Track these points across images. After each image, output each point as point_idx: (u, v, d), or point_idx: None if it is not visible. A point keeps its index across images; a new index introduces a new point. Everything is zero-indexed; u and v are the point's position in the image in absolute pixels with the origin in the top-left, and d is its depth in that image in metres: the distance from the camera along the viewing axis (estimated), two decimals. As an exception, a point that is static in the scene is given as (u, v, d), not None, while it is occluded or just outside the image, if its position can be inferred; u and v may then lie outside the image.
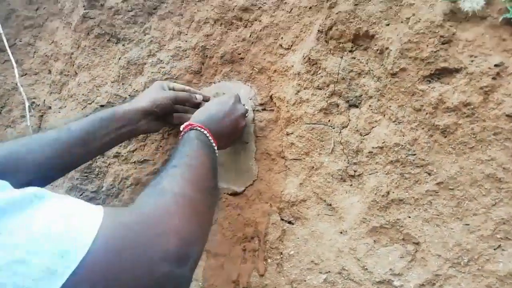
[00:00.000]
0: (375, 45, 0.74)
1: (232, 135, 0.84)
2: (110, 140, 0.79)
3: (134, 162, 1.03)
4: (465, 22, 0.64)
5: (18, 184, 0.41)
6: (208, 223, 0.59)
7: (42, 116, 1.22)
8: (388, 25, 0.72)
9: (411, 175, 0.69)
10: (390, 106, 0.72)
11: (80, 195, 1.09)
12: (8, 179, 0.40)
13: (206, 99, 0.94)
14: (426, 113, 0.67)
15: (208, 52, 1.01)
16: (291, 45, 0.92)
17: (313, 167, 0.82)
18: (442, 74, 0.66)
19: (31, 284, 0.33)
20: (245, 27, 0.97)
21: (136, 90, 1.03)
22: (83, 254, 0.36)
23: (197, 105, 0.91)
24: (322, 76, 0.81)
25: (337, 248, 0.75)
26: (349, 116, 0.80)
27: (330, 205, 0.79)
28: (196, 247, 0.48)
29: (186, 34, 1.03)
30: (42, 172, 0.70)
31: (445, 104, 0.65)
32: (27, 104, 1.14)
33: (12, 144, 0.70)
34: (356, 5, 0.75)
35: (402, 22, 0.70)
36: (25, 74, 1.26)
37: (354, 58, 0.78)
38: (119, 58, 1.07)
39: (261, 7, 0.95)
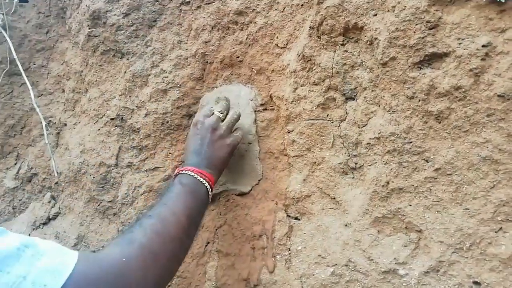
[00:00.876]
0: (365, 36, 0.75)
1: (221, 150, 0.84)
2: None
3: (146, 170, 1.07)
4: (451, 5, 0.64)
5: None
6: (169, 273, 0.65)
7: (58, 133, 1.28)
8: (375, 15, 0.72)
9: (409, 163, 0.68)
10: (383, 96, 0.72)
11: (98, 205, 1.13)
12: None
13: None
14: (419, 100, 0.67)
15: (208, 58, 1.03)
16: (287, 44, 0.93)
17: (315, 162, 0.83)
18: (431, 59, 0.65)
19: None
20: (241, 30, 0.99)
21: (143, 101, 1.07)
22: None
23: None
24: (317, 72, 0.82)
25: (343, 240, 0.75)
26: (346, 109, 0.80)
27: (334, 198, 0.79)
28: None
29: (186, 43, 1.06)
30: None
31: (436, 90, 0.64)
32: (44, 123, 1.20)
33: None
34: (343, -2, 0.76)
35: (388, 11, 0.70)
36: (41, 95, 1.33)
37: (346, 51, 0.79)
38: (125, 72, 1.11)
39: (254, 9, 0.97)
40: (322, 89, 0.82)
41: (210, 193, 0.78)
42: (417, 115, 0.67)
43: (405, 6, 0.67)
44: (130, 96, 1.10)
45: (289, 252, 0.82)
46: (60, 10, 1.35)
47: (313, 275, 0.77)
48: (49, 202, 1.28)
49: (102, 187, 1.13)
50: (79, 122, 1.24)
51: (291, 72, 0.87)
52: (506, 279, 0.57)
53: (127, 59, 1.11)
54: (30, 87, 1.23)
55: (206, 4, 1.02)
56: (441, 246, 0.64)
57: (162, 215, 0.66)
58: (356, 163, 0.77)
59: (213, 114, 0.89)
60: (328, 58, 0.80)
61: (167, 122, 1.05)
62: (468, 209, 0.62)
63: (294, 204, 0.84)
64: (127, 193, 1.07)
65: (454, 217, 0.63)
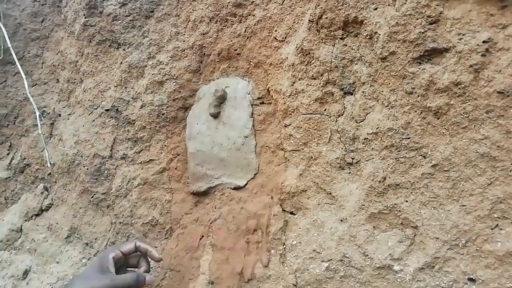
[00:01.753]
0: (365, 30, 0.74)
1: None
2: None
3: (141, 163, 1.06)
4: (452, 0, 0.63)
5: None
6: None
7: (52, 123, 1.26)
8: (376, 9, 0.72)
9: (406, 159, 0.68)
10: (382, 91, 0.71)
11: (91, 197, 1.12)
12: None
13: (158, 260, 0.80)
14: (418, 96, 0.66)
15: (206, 50, 1.02)
16: (285, 37, 0.92)
17: (311, 157, 0.82)
18: (431, 54, 0.65)
19: None
20: (240, 22, 0.98)
21: (139, 93, 1.06)
22: None
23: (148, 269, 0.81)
24: (315, 66, 0.81)
25: (338, 236, 0.75)
26: (344, 104, 0.79)
27: (330, 193, 0.79)
28: None
29: (184, 34, 1.05)
30: None
31: (436, 85, 0.64)
32: (37, 113, 1.19)
33: None
34: (343, -9, 0.75)
35: (389, 5, 0.69)
36: (35, 85, 1.31)
37: (346, 45, 0.78)
38: (121, 63, 1.10)
39: (253, 1, 0.96)
40: (320, 83, 0.81)
41: None
42: (416, 111, 0.67)
43: (406, 0, 0.66)
44: (125, 87, 1.09)
45: (284, 246, 0.81)
46: (56, -1, 1.33)
47: (308, 270, 0.77)
48: (42, 193, 1.27)
49: (96, 179, 1.12)
50: (74, 113, 1.22)
51: (289, 65, 0.86)
52: (502, 276, 0.57)
53: (123, 49, 1.10)
54: (24, 76, 1.21)
55: (204, -5, 1.01)
56: (437, 243, 0.64)
57: None
58: (353, 158, 0.77)
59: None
60: (327, 52, 0.79)
61: (163, 114, 1.03)
62: (465, 205, 0.62)
63: (289, 198, 0.83)
64: (121, 185, 1.06)
65: (450, 214, 0.63)
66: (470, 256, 0.61)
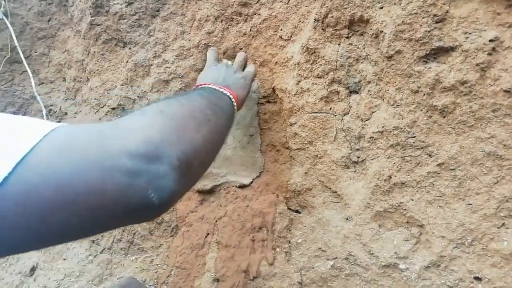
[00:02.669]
0: (371, 29, 0.74)
1: (239, 81, 0.79)
2: None
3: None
4: (458, -1, 0.63)
5: None
6: (188, 130, 0.48)
7: (59, 122, 1.27)
8: (381, 8, 0.72)
9: (412, 157, 0.68)
10: (388, 90, 0.71)
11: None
12: None
13: None
14: (424, 94, 0.66)
15: (211, 49, 1.02)
16: (291, 36, 0.92)
17: (317, 155, 0.82)
18: (437, 53, 0.65)
19: None
20: (245, 21, 0.98)
21: (144, 91, 1.06)
22: (27, 151, 0.34)
23: None
24: (321, 65, 0.82)
25: (343, 234, 0.75)
26: (349, 102, 0.79)
27: (335, 192, 0.79)
28: (167, 146, 0.41)
29: (189, 33, 1.05)
30: None
31: (442, 84, 0.64)
32: (44, 111, 1.19)
33: None
34: (349, -10, 0.75)
35: (395, 4, 0.69)
36: (42, 83, 1.32)
37: (351, 44, 0.78)
38: (127, 61, 1.10)
39: (259, 0, 0.96)
40: (325, 82, 0.81)
41: (234, 101, 0.69)
42: (422, 110, 0.67)
43: (412, -1, 0.66)
44: (131, 86, 1.09)
45: (289, 244, 0.82)
46: (62, -2, 1.34)
47: (313, 268, 0.77)
48: (49, 191, 1.27)
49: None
50: (80, 111, 1.23)
51: (295, 64, 0.86)
52: (508, 275, 0.57)
53: (129, 48, 1.10)
54: (31, 75, 1.22)
55: (210, -6, 1.01)
56: (443, 241, 0.64)
57: (176, 98, 0.54)
58: (358, 157, 0.77)
59: (220, 61, 0.90)
60: (333, 51, 0.80)
61: (169, 112, 1.04)
62: (471, 204, 0.62)
63: (295, 197, 0.84)
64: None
65: (456, 212, 0.63)
66: (476, 255, 0.61)
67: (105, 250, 1.12)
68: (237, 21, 0.99)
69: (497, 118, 0.60)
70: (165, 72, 1.05)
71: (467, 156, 0.62)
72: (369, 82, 0.75)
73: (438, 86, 0.64)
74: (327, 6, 0.78)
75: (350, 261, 0.73)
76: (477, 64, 0.60)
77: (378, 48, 0.73)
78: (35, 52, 1.33)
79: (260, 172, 0.91)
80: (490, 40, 0.59)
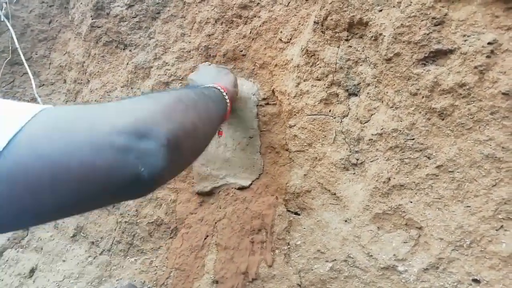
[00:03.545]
0: (370, 32, 0.74)
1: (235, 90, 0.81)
2: None
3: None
4: (457, 2, 0.63)
5: None
6: (178, 113, 0.49)
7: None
8: (381, 11, 0.72)
9: (411, 160, 0.68)
10: (387, 92, 0.72)
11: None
12: None
13: None
14: (423, 97, 0.66)
15: (211, 51, 1.03)
16: (290, 38, 0.93)
17: (316, 157, 0.83)
18: (436, 56, 0.65)
19: None
20: (245, 24, 0.99)
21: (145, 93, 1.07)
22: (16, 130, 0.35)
23: None
24: (320, 67, 0.82)
25: (342, 236, 0.75)
26: (349, 105, 0.80)
27: (335, 194, 0.79)
28: (158, 126, 0.42)
29: (189, 36, 1.05)
30: None
31: (440, 87, 0.64)
32: (45, 113, 1.19)
33: None
34: (348, -7, 0.75)
35: (394, 6, 0.70)
36: (42, 85, 1.32)
37: (351, 46, 0.78)
38: (127, 64, 1.11)
39: (259, 3, 0.96)
40: (325, 84, 0.82)
41: (224, 92, 0.70)
42: (420, 112, 0.67)
43: (411, 2, 0.66)
44: (132, 88, 1.10)
45: (288, 246, 0.82)
46: (63, 0, 1.35)
47: (312, 270, 0.77)
48: (49, 192, 1.28)
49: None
50: (80, 113, 1.24)
51: (294, 67, 0.86)
52: (506, 277, 0.57)
53: (130, 50, 1.11)
54: (31, 77, 1.22)
55: (210, -3, 1.02)
56: (441, 243, 0.64)
57: (177, 94, 0.55)
58: (357, 159, 0.77)
59: None
60: (332, 53, 0.80)
61: (169, 114, 1.04)
62: (469, 206, 0.62)
63: (294, 199, 0.84)
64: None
65: (455, 215, 0.63)
66: (475, 257, 0.61)
67: (105, 252, 1.12)
68: (237, 23, 0.99)
69: (495, 121, 0.60)
70: (165, 74, 1.05)
71: (466, 159, 0.62)
72: (368, 84, 0.76)
73: (437, 89, 0.65)
74: (327, 9, 0.79)
75: (349, 263, 0.73)
76: (476, 67, 0.61)
77: (377, 51, 0.73)
78: (36, 54, 1.34)
79: (259, 174, 0.91)
80: (489, 43, 0.59)
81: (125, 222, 1.08)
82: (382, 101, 0.73)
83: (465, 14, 0.62)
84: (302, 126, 0.84)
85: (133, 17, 1.09)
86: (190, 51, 1.04)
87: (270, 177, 0.90)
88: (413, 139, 0.68)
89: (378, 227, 0.72)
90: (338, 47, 0.80)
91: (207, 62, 0.98)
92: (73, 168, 0.36)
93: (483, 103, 0.61)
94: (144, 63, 1.08)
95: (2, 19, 1.26)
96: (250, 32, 0.98)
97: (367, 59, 0.76)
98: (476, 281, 0.61)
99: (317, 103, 0.83)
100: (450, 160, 0.64)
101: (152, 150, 0.40)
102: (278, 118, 0.93)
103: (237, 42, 0.99)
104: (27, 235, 1.27)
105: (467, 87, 0.62)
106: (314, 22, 0.82)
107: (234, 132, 0.95)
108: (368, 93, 0.76)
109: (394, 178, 0.70)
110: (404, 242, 0.68)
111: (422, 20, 0.65)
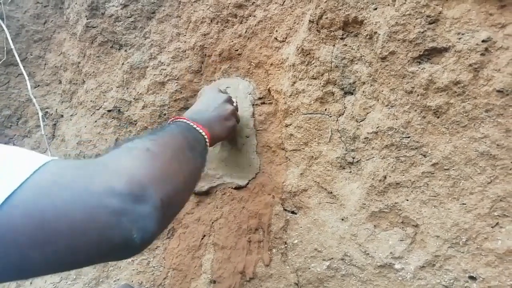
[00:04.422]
0: (365, 30, 0.74)
1: (223, 129, 0.79)
2: None
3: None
4: (451, 0, 0.63)
5: None
6: (172, 172, 0.50)
7: (55, 124, 1.27)
8: (375, 9, 0.72)
9: (407, 158, 0.68)
10: (382, 91, 0.72)
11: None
12: None
13: None
14: (418, 95, 0.66)
15: (207, 51, 1.02)
16: (286, 37, 0.92)
17: (312, 156, 0.83)
18: (431, 54, 0.65)
19: None
20: (241, 23, 0.99)
21: (140, 93, 1.06)
22: (13, 189, 0.35)
23: None
24: (316, 66, 0.82)
25: (339, 235, 0.75)
26: (344, 103, 0.80)
27: (331, 193, 0.79)
28: (153, 188, 0.42)
29: (185, 35, 1.05)
30: None
31: (435, 84, 0.64)
32: (40, 114, 1.19)
33: None
34: (343, -8, 0.75)
35: (388, 5, 0.70)
36: (38, 86, 1.32)
37: (346, 45, 0.78)
38: (122, 64, 1.10)
39: (254, 2, 0.96)
40: (320, 83, 0.82)
41: (207, 143, 0.71)
42: (416, 110, 0.67)
43: (405, 0, 0.66)
44: (127, 88, 1.09)
45: (285, 245, 0.82)
46: (58, 1, 1.34)
47: (309, 268, 0.77)
48: (45, 193, 1.27)
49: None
50: (76, 114, 1.23)
51: (290, 65, 0.86)
52: (502, 274, 0.58)
53: (125, 50, 1.10)
54: (27, 77, 1.21)
55: (205, -4, 1.02)
56: (437, 241, 0.64)
57: (160, 135, 0.56)
58: (353, 158, 0.77)
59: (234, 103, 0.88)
60: (327, 52, 0.80)
61: (165, 114, 1.04)
62: (465, 204, 0.62)
63: (291, 198, 0.84)
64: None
65: (450, 212, 0.63)
66: (471, 254, 0.61)
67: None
68: (232, 22, 0.99)
69: (490, 118, 0.60)
70: (161, 74, 1.05)
71: (461, 156, 0.63)
72: (364, 83, 0.76)
73: (431, 87, 0.65)
74: (322, 8, 0.79)
75: (346, 261, 0.73)
76: (470, 65, 0.61)
77: (372, 49, 0.73)
78: (31, 55, 1.33)
79: (256, 174, 0.91)
80: (483, 41, 0.60)
81: (122, 222, 1.07)
82: (378, 100, 0.73)
83: (459, 12, 0.62)
84: (298, 125, 0.84)
85: (128, 17, 1.08)
86: (185, 51, 1.04)
87: (266, 176, 0.90)
88: (408, 137, 0.68)
89: (374, 225, 0.72)
90: (334, 45, 0.80)
91: (212, 85, 0.98)
92: (64, 231, 0.36)
93: (477, 101, 0.61)
94: (140, 63, 1.08)
95: (-4, 20, 1.25)
96: (246, 31, 0.97)
97: (362, 57, 0.76)
98: (472, 278, 0.61)
99: (313, 102, 0.83)
100: (445, 158, 0.64)
101: (147, 214, 0.40)
102: (274, 117, 0.92)
103: (232, 41, 0.99)
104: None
105: (462, 85, 0.62)
106: (309, 21, 0.82)
107: (230, 132, 0.95)
108: (363, 91, 0.76)
109: (390, 176, 0.70)
110: (401, 240, 0.68)
111: (416, 19, 0.65)
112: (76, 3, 1.21)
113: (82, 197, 0.37)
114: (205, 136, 0.70)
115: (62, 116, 1.27)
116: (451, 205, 0.63)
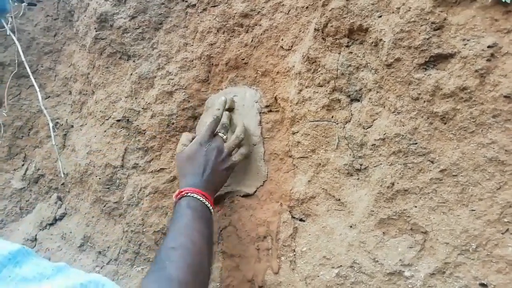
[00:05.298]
0: (370, 37, 0.75)
1: (220, 175, 0.87)
2: None
3: (152, 172, 1.08)
4: (456, 6, 0.64)
5: None
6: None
7: (65, 135, 1.29)
8: (380, 16, 0.73)
9: (414, 164, 0.68)
10: (388, 97, 0.72)
11: (104, 206, 1.14)
12: None
13: None
14: (424, 101, 0.66)
15: (214, 60, 1.04)
16: (291, 46, 0.93)
17: (320, 163, 0.83)
18: (436, 60, 0.65)
19: None
20: (247, 32, 1.00)
21: (149, 103, 1.08)
22: None
23: None
24: (322, 74, 0.82)
25: (348, 242, 0.75)
26: (351, 110, 0.80)
27: (339, 200, 0.79)
28: None
29: (192, 45, 1.07)
30: None
31: (442, 91, 0.64)
32: (51, 124, 1.21)
33: None
34: (348, 0, 0.76)
35: (393, 12, 0.70)
36: (48, 97, 1.34)
37: (351, 52, 0.79)
38: (131, 74, 1.12)
39: (260, 11, 0.97)
40: (327, 90, 0.82)
41: (212, 214, 0.81)
42: (422, 116, 0.67)
43: (410, 7, 0.67)
44: (136, 98, 1.11)
45: (294, 253, 0.82)
46: (68, 13, 1.37)
47: (318, 276, 0.77)
48: (56, 203, 1.29)
49: (108, 188, 1.14)
50: (86, 124, 1.25)
51: (296, 73, 0.87)
52: (513, 281, 0.57)
53: (133, 61, 1.12)
54: (37, 89, 1.24)
55: (211, 6, 1.03)
56: (447, 248, 0.64)
57: (185, 246, 0.69)
58: (361, 165, 0.77)
59: (216, 135, 0.90)
60: (333, 59, 0.80)
61: (173, 123, 1.05)
62: (474, 210, 0.62)
63: (299, 205, 0.84)
64: (133, 194, 1.08)
65: (460, 219, 0.63)
66: (481, 261, 0.60)
67: (112, 261, 1.12)
68: (238, 32, 1.00)
69: (497, 124, 0.60)
70: (169, 84, 1.06)
71: (469, 162, 0.62)
72: (370, 90, 0.76)
73: (438, 93, 0.65)
74: (327, 16, 0.79)
75: (355, 269, 0.73)
76: (476, 70, 0.61)
77: (378, 56, 0.73)
78: (42, 67, 1.36)
79: (263, 181, 0.92)
80: (489, 46, 0.60)
81: (132, 231, 1.08)
82: (384, 106, 0.73)
83: (464, 18, 0.63)
84: (305, 132, 0.85)
85: (136, 28, 1.10)
86: (192, 60, 1.05)
87: (274, 184, 0.90)
88: (416, 143, 0.68)
89: (383, 233, 0.72)
90: (339, 53, 0.80)
91: (219, 94, 1.01)
92: None
93: (485, 107, 0.61)
94: (148, 73, 1.09)
95: (8, 33, 1.28)
96: (252, 40, 0.99)
97: (368, 64, 0.76)
98: (483, 285, 0.60)
99: (319, 109, 0.83)
100: (453, 164, 0.64)
101: None
102: (281, 125, 0.93)
103: (239, 50, 1.00)
104: (35, 246, 1.28)
105: (468, 90, 0.62)
106: (315, 29, 0.83)
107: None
108: (370, 98, 0.76)
109: (398, 183, 0.70)
110: (410, 247, 0.68)
111: (421, 25, 0.66)
112: (85, 16, 1.24)
113: None
114: (211, 209, 0.80)
115: (72, 126, 1.29)
116: (460, 211, 0.63)
